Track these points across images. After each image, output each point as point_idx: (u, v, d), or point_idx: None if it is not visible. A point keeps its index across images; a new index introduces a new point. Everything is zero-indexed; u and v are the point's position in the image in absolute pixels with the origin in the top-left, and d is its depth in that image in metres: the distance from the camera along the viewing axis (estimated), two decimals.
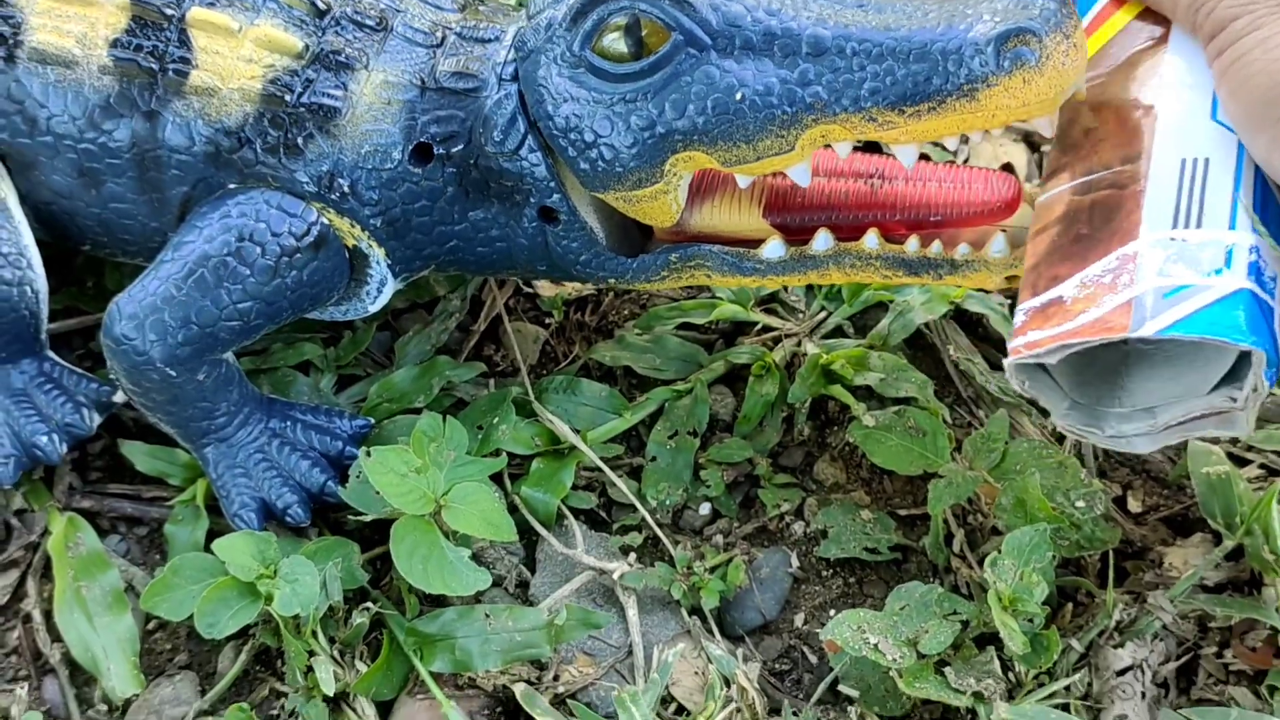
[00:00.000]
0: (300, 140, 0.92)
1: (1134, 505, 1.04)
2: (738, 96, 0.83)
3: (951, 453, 1.01)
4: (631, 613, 0.97)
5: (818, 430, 1.09)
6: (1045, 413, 0.86)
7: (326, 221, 0.94)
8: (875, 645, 0.87)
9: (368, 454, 0.94)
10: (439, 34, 0.94)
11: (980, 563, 0.94)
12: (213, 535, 0.99)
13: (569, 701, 0.92)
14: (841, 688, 0.93)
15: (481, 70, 0.92)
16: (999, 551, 0.90)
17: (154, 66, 0.93)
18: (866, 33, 0.80)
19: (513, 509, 1.01)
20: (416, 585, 0.91)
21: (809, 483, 1.07)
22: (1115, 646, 0.93)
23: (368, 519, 0.98)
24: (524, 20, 0.92)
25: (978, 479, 0.97)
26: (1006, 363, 0.77)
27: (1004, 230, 0.89)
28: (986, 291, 1.10)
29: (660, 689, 0.91)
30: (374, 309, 1.01)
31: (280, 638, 0.93)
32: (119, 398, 1.04)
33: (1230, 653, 0.94)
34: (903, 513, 1.03)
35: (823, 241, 0.90)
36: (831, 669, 0.94)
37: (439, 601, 0.96)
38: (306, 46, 0.92)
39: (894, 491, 1.05)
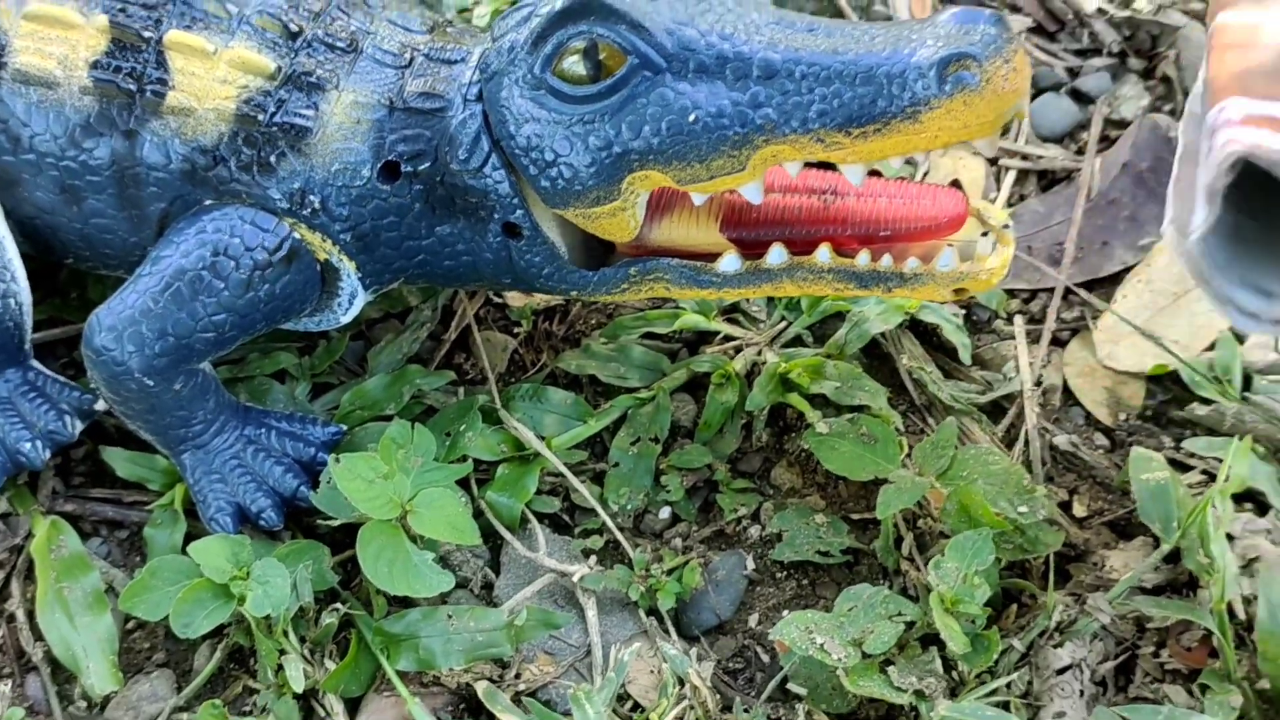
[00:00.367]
0: (273, 158, 0.95)
1: (1079, 510, 1.07)
2: (691, 118, 0.86)
3: (903, 459, 1.04)
4: (591, 613, 1.00)
5: (776, 437, 1.11)
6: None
7: (298, 236, 0.97)
8: (821, 645, 0.90)
9: (337, 460, 0.97)
10: (407, 55, 0.97)
11: (929, 565, 0.97)
12: (191, 538, 1.01)
13: (525, 699, 0.95)
14: (791, 686, 0.96)
15: (448, 91, 0.95)
16: (943, 555, 0.94)
17: (132, 87, 0.95)
18: (815, 57, 0.83)
19: (479, 513, 1.04)
20: (381, 587, 0.94)
21: (767, 487, 1.09)
22: (1055, 646, 0.95)
23: (338, 523, 1.01)
24: (488, 42, 0.95)
25: (926, 485, 1.00)
26: (1221, 151, 0.72)
27: (951, 245, 0.92)
28: (940, 302, 1.13)
29: (616, 687, 0.94)
30: (346, 320, 1.04)
31: (253, 637, 0.96)
32: (100, 405, 1.06)
33: (1167, 652, 0.97)
34: (856, 517, 1.06)
35: (777, 256, 0.93)
36: (782, 668, 0.96)
37: (406, 603, 0.98)
38: (279, 68, 0.95)
39: (848, 496, 1.07)
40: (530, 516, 1.05)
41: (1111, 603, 0.97)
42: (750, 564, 1.04)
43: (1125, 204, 1.26)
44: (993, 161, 1.32)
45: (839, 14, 1.44)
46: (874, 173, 0.94)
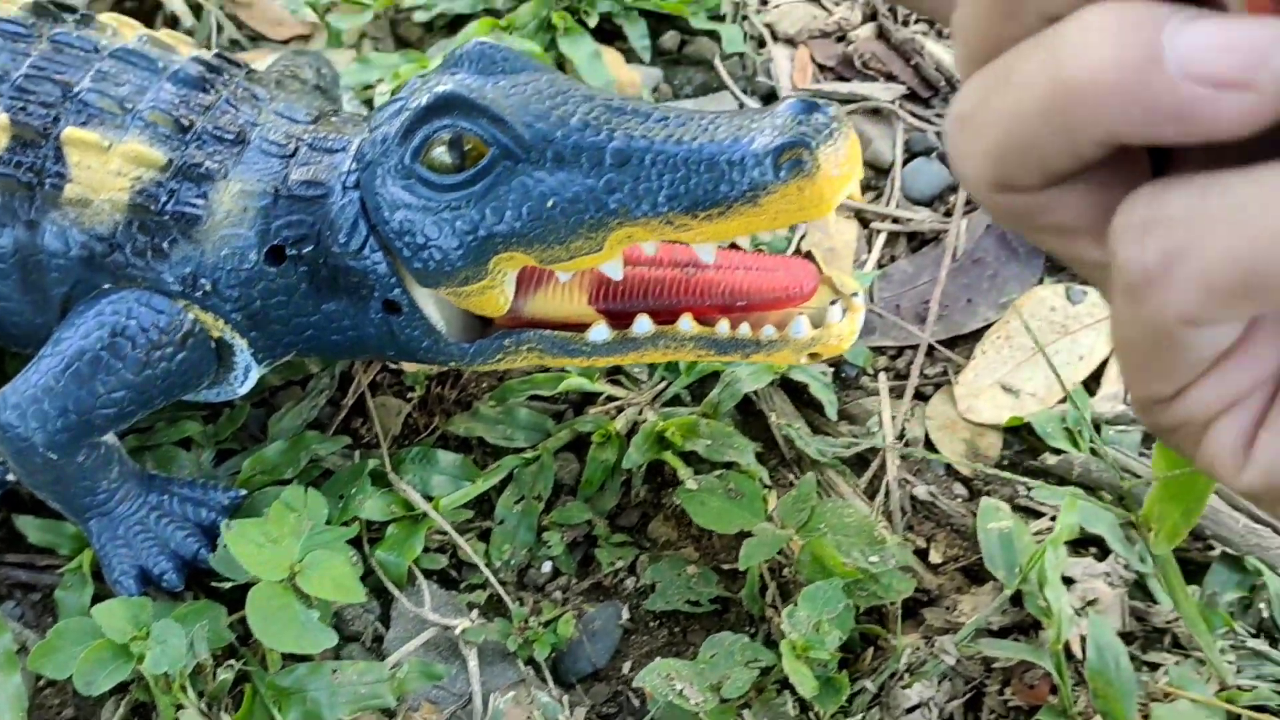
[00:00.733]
0: (166, 244, 1.01)
1: (935, 556, 1.13)
2: (550, 204, 0.92)
3: (770, 513, 1.10)
4: (472, 664, 1.05)
5: (654, 492, 1.17)
6: None
7: (192, 317, 1.02)
8: (680, 691, 0.96)
9: (229, 526, 1.02)
10: (292, 145, 1.03)
11: (783, 613, 1.03)
12: (99, 599, 1.05)
13: None
14: None
15: (328, 179, 1.00)
16: (795, 604, 1.00)
17: (33, 180, 1.00)
18: (663, 145, 0.89)
19: (370, 571, 1.10)
20: (270, 644, 0.99)
21: (644, 541, 1.15)
22: (904, 687, 1.01)
23: (237, 583, 1.06)
24: (366, 132, 1.00)
25: (787, 537, 1.06)
26: None
27: (803, 313, 0.98)
28: (796, 365, 1.19)
29: None
30: (243, 391, 1.09)
31: (153, 694, 1.01)
32: (11, 477, 1.11)
33: (1011, 690, 1.03)
34: (726, 567, 1.11)
35: (642, 325, 0.99)
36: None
37: (300, 658, 1.03)
38: (170, 160, 1.00)
39: (720, 547, 1.13)
40: (418, 573, 1.10)
41: (957, 645, 1.03)
42: (626, 614, 1.10)
43: (989, 263, 1.32)
44: (865, 224, 1.38)
45: (722, 86, 1.50)
46: (734, 245, 1.00)
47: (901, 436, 1.20)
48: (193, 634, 1.00)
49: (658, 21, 1.57)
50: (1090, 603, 1.06)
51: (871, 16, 1.58)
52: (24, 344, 1.09)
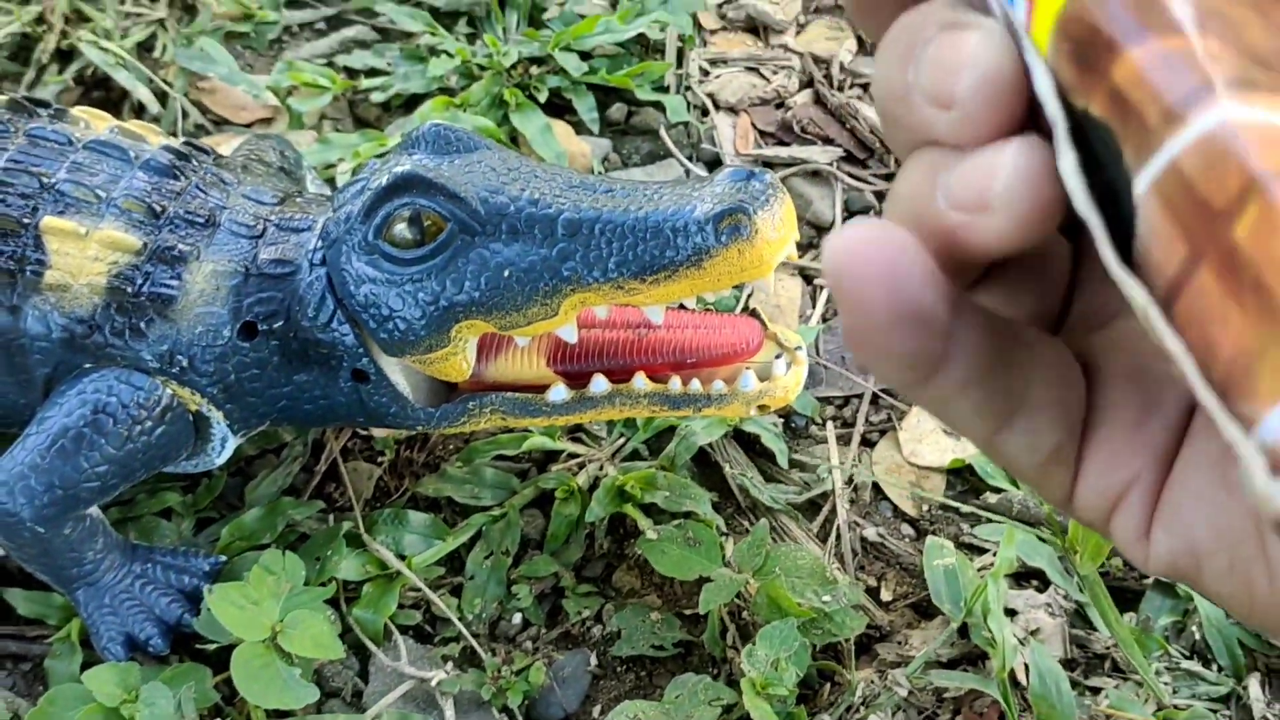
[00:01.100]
0: (143, 324, 1.04)
1: (886, 594, 1.17)
2: (506, 274, 0.96)
3: (727, 559, 1.14)
4: (449, 714, 1.08)
5: (616, 543, 1.21)
6: None
7: (170, 392, 1.05)
8: None
9: (211, 591, 1.06)
10: (260, 226, 1.07)
11: (743, 653, 1.06)
12: (88, 666, 1.08)
13: None
14: None
15: (296, 257, 1.04)
16: (753, 644, 1.04)
17: (14, 268, 1.04)
18: (611, 215, 0.94)
19: (348, 629, 1.13)
20: (254, 702, 1.02)
21: (609, 590, 1.19)
22: (861, 719, 1.05)
23: (220, 645, 1.09)
24: (330, 212, 1.05)
25: (743, 581, 1.10)
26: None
27: (750, 367, 1.03)
28: (746, 417, 1.24)
29: None
30: (220, 461, 1.12)
31: None
32: (0, 551, 1.15)
33: (962, 718, 1.07)
34: (688, 612, 1.15)
35: (599, 385, 1.03)
36: None
37: (284, 714, 1.06)
38: (145, 244, 1.04)
39: (682, 593, 1.17)
40: (394, 629, 1.13)
41: (909, 677, 1.07)
42: (594, 661, 1.13)
43: None
44: (809, 280, 1.43)
45: (669, 154, 1.55)
46: (682, 306, 1.05)
47: (850, 481, 1.24)
48: (180, 695, 1.04)
49: (605, 94, 1.61)
50: (1033, 632, 1.11)
51: (808, 84, 1.63)
52: (9, 424, 1.12)
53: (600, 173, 1.51)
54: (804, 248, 1.47)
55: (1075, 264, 0.53)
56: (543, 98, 1.57)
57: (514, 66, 1.59)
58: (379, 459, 1.27)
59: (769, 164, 1.54)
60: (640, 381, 1.02)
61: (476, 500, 1.22)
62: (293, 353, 1.05)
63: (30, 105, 1.12)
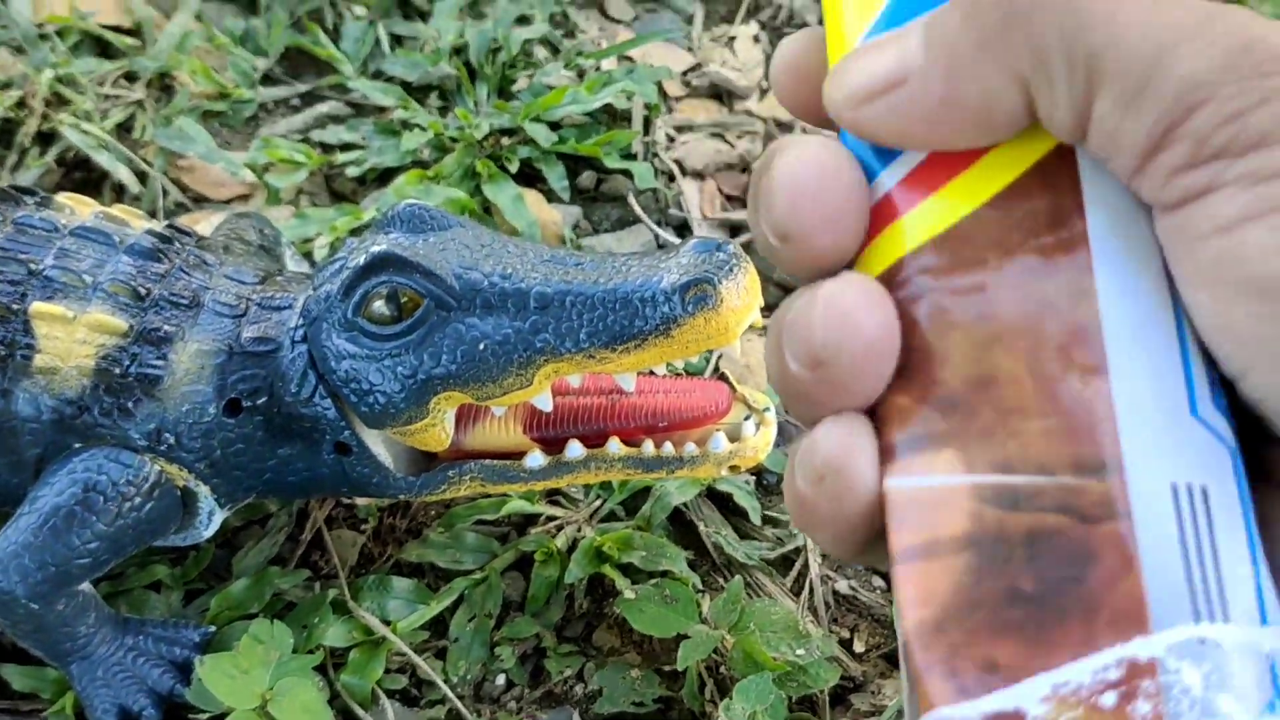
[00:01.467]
0: (131, 404, 1.07)
1: (859, 646, 1.20)
2: (481, 346, 0.99)
3: (703, 615, 1.16)
4: None
5: (596, 603, 1.23)
6: None
7: (159, 469, 1.08)
8: None
9: (202, 662, 1.08)
10: (242, 305, 1.09)
11: (720, 708, 1.09)
12: None
13: None
14: None
15: (278, 334, 1.07)
16: (730, 698, 1.06)
17: (4, 353, 1.06)
18: (581, 287, 0.97)
19: (336, 695, 1.15)
20: None
21: (590, 649, 1.21)
22: None
23: (212, 714, 1.11)
24: (310, 290, 1.08)
25: (719, 636, 1.12)
26: None
27: (720, 429, 1.06)
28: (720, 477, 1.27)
29: None
30: (208, 534, 1.14)
31: None
32: None
33: None
34: (667, 668, 1.17)
35: (574, 450, 1.06)
36: None
37: None
38: (131, 326, 1.07)
39: (660, 650, 1.19)
40: (381, 694, 1.15)
41: None
42: (577, 718, 1.16)
43: None
44: None
45: (638, 220, 1.58)
46: (652, 372, 1.08)
47: None
48: None
49: (575, 163, 1.65)
50: None
51: None
52: (2, 504, 1.14)
53: (571, 239, 1.54)
54: (770, 308, 1.50)
55: None
56: (514, 168, 1.60)
57: (485, 138, 1.62)
58: (362, 526, 1.29)
59: (735, 227, 1.57)
60: (614, 446, 1.05)
61: (458, 564, 1.24)
62: (277, 427, 1.08)
63: (16, 194, 1.14)
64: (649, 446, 1.05)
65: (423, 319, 1.00)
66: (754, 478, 1.33)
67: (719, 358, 1.42)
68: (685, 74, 1.80)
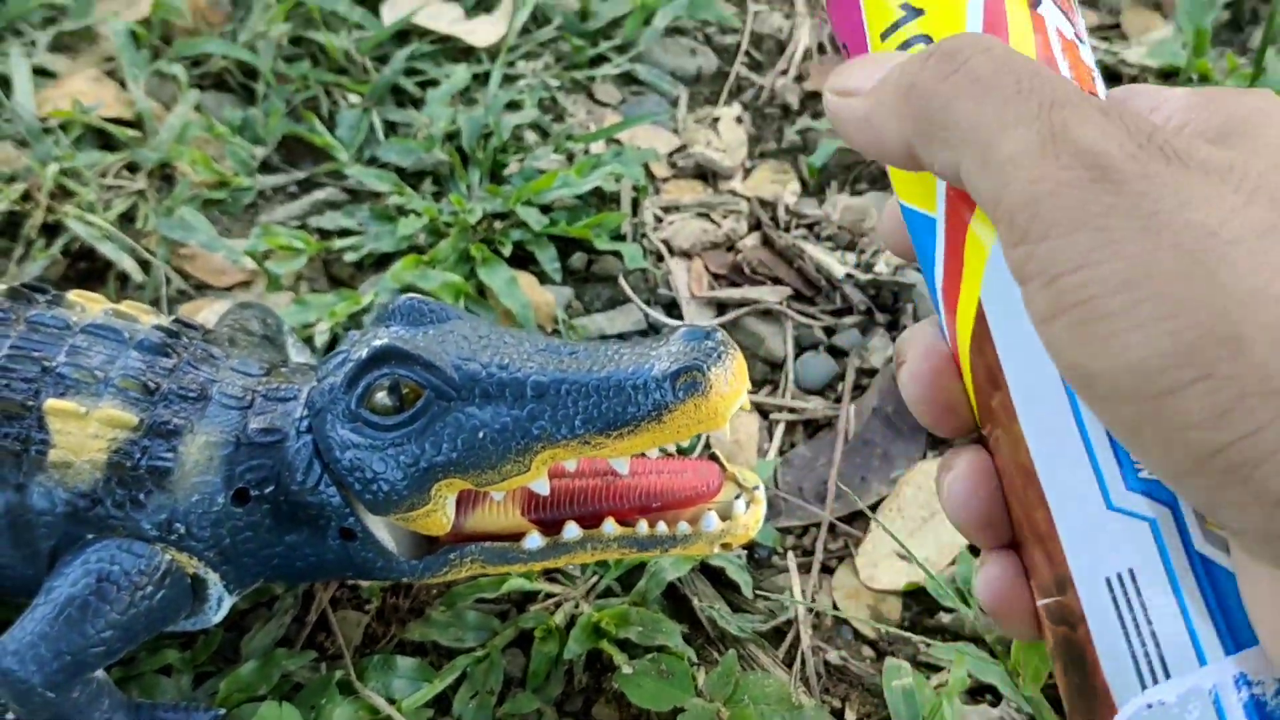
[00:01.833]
0: (142, 496, 1.10)
1: (850, 715, 1.22)
2: (481, 435, 1.02)
3: (699, 688, 1.19)
4: None
5: (594, 678, 1.26)
6: None
7: (169, 558, 1.10)
8: None
9: None
10: (249, 397, 1.13)
11: None
12: None
13: None
14: None
15: (284, 425, 1.10)
16: None
17: (19, 449, 1.09)
18: (576, 376, 1.01)
19: None
20: None
21: None
22: None
23: None
24: (315, 381, 1.11)
25: (715, 709, 1.15)
26: None
27: (712, 508, 1.09)
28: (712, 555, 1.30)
29: None
30: (217, 619, 1.17)
31: None
32: (11, 716, 1.18)
33: None
34: None
35: (571, 531, 1.09)
36: None
37: None
38: (142, 420, 1.10)
39: None
40: None
41: None
42: None
43: (878, 443, 1.44)
44: (765, 415, 1.49)
45: (628, 299, 1.62)
46: (644, 454, 1.11)
47: (811, 609, 1.30)
48: None
49: (566, 245, 1.68)
50: None
51: (756, 226, 1.71)
52: (17, 594, 1.16)
53: (564, 320, 1.58)
54: (760, 383, 1.54)
55: None
56: (507, 251, 1.64)
57: (479, 223, 1.66)
58: (366, 607, 1.31)
59: (722, 305, 1.61)
60: (609, 526, 1.08)
61: (460, 642, 1.26)
62: (283, 515, 1.11)
63: (29, 292, 1.18)
64: (643, 526, 1.08)
65: (424, 409, 1.04)
66: (746, 552, 1.36)
67: (709, 435, 1.45)
68: (671, 155, 1.84)
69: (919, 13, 0.67)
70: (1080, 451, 0.58)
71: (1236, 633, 0.54)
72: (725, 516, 1.09)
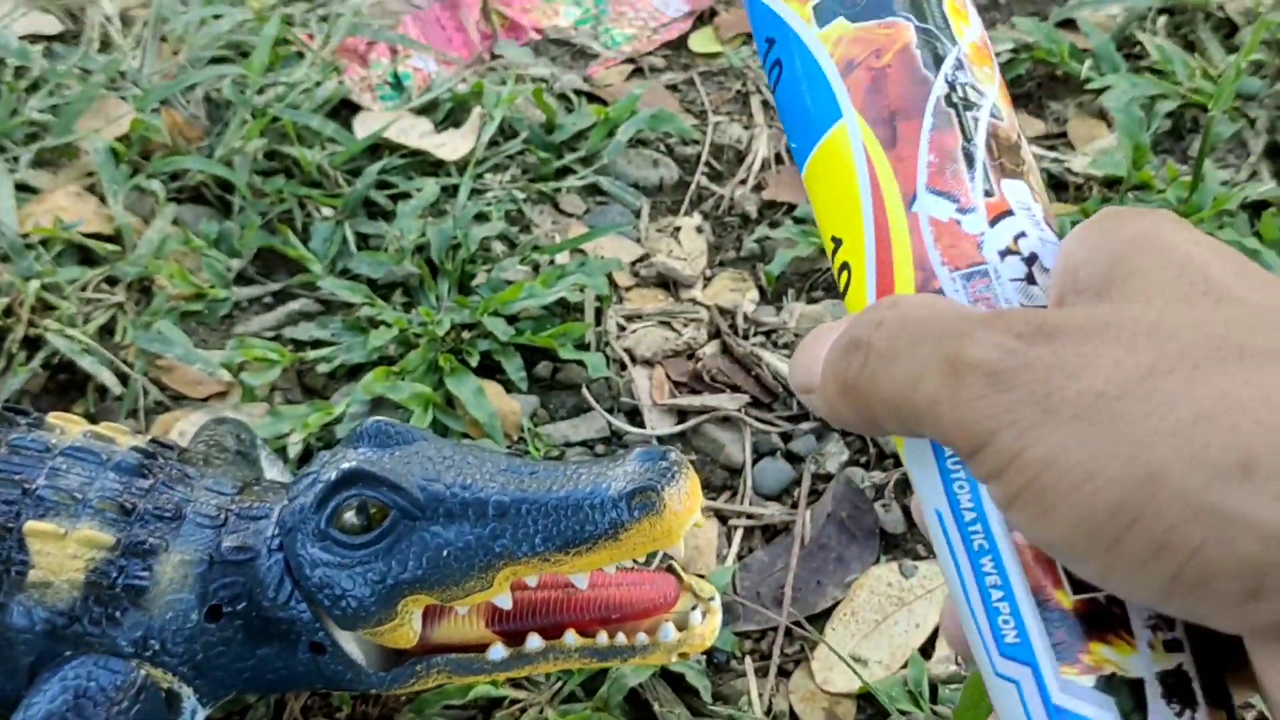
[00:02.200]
0: (118, 614, 1.12)
1: None
2: (445, 553, 1.06)
3: None
4: None
5: None
6: None
7: (144, 673, 1.13)
8: None
9: None
10: (222, 516, 1.16)
11: None
12: None
13: None
14: None
15: (256, 543, 1.13)
16: None
17: (0, 570, 1.12)
18: (536, 495, 1.05)
19: None
20: None
21: None
22: None
23: None
24: (286, 501, 1.14)
25: None
26: None
27: (669, 619, 1.13)
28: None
29: None
30: None
31: None
32: None
33: None
34: None
35: (534, 642, 1.12)
36: None
37: None
38: (118, 540, 1.13)
39: None
40: None
41: None
42: None
43: (833, 547, 1.47)
44: (724, 521, 1.53)
45: (591, 407, 1.65)
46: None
47: (769, 711, 1.33)
48: None
49: (531, 354, 1.72)
50: None
51: (716, 334, 1.75)
52: None
53: (529, 429, 1.61)
54: (719, 489, 1.57)
55: None
56: (474, 361, 1.68)
57: (447, 334, 1.70)
58: (337, 715, 1.34)
59: (683, 412, 1.65)
60: (570, 638, 1.12)
61: None
62: (255, 630, 1.14)
63: (10, 415, 1.21)
64: (603, 637, 1.12)
65: (390, 529, 1.07)
66: (705, 657, 1.39)
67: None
68: (634, 264, 1.88)
69: (839, 242, 0.72)
70: (970, 620, 0.64)
71: None
72: (682, 626, 1.13)
